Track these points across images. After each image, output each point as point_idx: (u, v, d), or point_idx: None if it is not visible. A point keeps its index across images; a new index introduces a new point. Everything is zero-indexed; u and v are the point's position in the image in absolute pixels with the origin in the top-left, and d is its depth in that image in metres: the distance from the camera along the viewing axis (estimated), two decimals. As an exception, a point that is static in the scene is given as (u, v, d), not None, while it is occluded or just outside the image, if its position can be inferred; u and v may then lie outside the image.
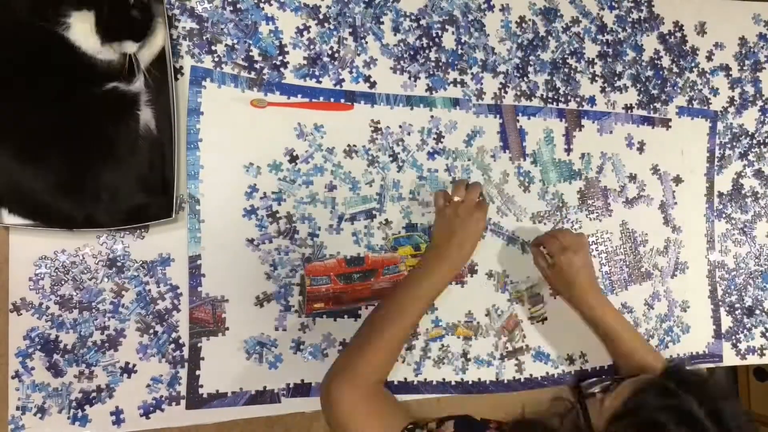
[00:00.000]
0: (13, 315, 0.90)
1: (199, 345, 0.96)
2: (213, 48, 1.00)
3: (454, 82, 1.12)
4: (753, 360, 1.33)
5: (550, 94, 1.18)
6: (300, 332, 1.01)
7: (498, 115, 1.15)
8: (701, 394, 0.66)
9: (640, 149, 1.24)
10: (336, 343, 1.02)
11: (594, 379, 0.83)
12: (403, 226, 1.07)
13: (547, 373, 1.15)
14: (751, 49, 1.34)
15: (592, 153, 1.21)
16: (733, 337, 1.30)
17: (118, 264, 0.94)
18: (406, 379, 1.06)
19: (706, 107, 1.30)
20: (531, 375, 1.14)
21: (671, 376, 0.71)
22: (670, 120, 1.27)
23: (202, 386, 0.96)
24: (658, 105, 1.26)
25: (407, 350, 1.07)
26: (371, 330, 0.94)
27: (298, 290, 1.01)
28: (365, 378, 0.88)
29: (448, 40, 1.12)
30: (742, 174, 1.33)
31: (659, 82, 1.27)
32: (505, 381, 1.12)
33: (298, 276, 1.01)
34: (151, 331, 0.95)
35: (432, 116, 1.11)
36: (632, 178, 1.24)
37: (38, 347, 0.91)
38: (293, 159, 1.02)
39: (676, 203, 1.27)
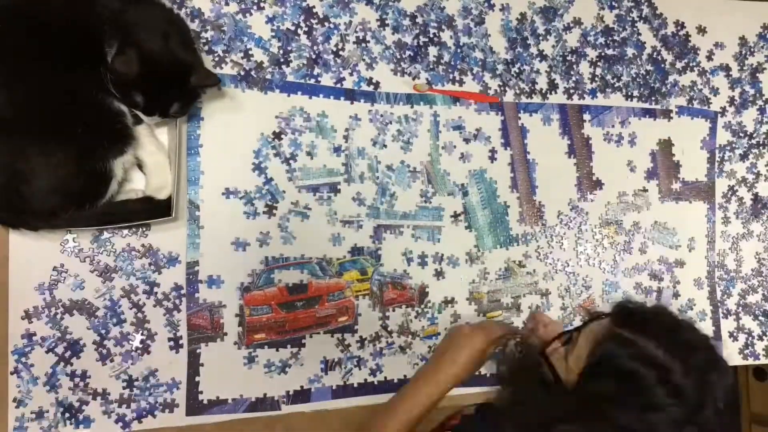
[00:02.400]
0: (13, 314, 0.89)
1: (198, 351, 0.96)
2: (213, 48, 0.99)
3: (453, 80, 1.12)
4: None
5: (551, 90, 1.18)
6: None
7: (499, 112, 1.15)
8: (654, 333, 0.66)
9: (643, 146, 1.25)
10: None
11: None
12: (348, 250, 1.05)
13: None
14: (751, 49, 1.34)
15: (594, 150, 1.20)
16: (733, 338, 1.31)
17: (118, 263, 0.93)
18: (406, 376, 1.06)
19: (706, 107, 1.30)
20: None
21: (621, 321, 0.70)
22: (671, 111, 1.27)
23: (201, 392, 0.96)
24: (658, 97, 1.26)
25: (402, 351, 1.07)
26: (384, 412, 0.87)
27: (237, 321, 0.98)
28: None
29: (448, 39, 1.12)
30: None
31: (660, 76, 1.27)
32: None
33: (237, 306, 0.98)
34: (151, 331, 0.94)
35: (435, 112, 1.11)
36: (633, 171, 1.24)
37: (38, 347, 0.90)
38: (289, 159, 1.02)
39: (677, 202, 1.28)
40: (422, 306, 1.08)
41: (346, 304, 1.03)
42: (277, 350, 0.99)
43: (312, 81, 1.04)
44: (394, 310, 1.06)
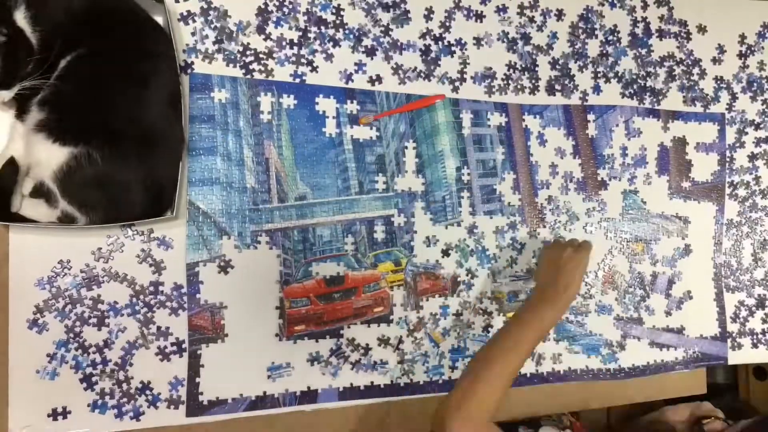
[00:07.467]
0: (13, 313, 0.88)
1: (198, 352, 0.95)
2: (208, 49, 0.98)
3: (450, 80, 1.11)
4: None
5: (555, 89, 1.18)
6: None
7: (504, 114, 1.14)
8: None
9: (647, 145, 1.25)
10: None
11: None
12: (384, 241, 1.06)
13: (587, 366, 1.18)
14: (751, 48, 1.34)
15: (598, 148, 1.20)
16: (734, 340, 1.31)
17: (120, 262, 0.92)
18: (442, 377, 1.08)
19: (705, 106, 1.29)
20: (569, 367, 1.17)
21: None
22: (675, 112, 1.27)
23: (201, 393, 0.95)
24: (660, 98, 1.26)
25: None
26: (480, 368, 0.92)
27: (278, 313, 0.99)
28: (478, 415, 0.88)
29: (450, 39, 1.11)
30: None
31: (661, 78, 1.26)
32: (544, 374, 1.15)
33: (277, 299, 0.99)
34: (153, 330, 0.94)
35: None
36: (636, 174, 1.24)
37: (38, 345, 0.89)
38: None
39: (685, 201, 1.27)
40: (455, 295, 1.10)
41: (382, 294, 1.05)
42: (317, 341, 1.01)
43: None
44: (428, 300, 1.08)
